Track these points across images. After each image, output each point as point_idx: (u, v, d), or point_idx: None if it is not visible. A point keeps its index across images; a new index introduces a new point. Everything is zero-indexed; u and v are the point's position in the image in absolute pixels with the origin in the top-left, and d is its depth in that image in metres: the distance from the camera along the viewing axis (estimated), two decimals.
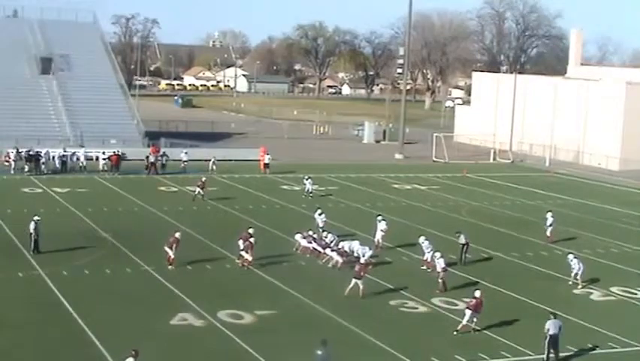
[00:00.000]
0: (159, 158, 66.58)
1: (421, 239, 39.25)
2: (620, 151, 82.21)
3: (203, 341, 27.52)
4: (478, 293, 30.52)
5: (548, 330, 27.68)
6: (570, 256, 37.64)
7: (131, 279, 35.53)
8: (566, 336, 29.42)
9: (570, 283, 36.90)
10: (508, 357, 27.95)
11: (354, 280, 33.56)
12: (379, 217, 43.54)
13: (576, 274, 36.89)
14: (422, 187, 64.81)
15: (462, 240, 40.30)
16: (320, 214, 43.88)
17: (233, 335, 28.69)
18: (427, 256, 37.92)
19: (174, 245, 36.89)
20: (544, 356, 27.49)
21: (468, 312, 30.00)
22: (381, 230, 42.20)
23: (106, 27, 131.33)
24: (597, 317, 32.44)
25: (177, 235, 37.43)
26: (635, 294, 36.22)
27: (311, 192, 56.86)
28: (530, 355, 28.16)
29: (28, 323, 29.35)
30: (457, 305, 33.25)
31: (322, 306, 32.27)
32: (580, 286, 36.61)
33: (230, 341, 28.20)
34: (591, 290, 36.49)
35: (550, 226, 45.93)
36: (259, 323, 30.32)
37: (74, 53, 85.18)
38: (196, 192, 53.80)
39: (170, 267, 36.56)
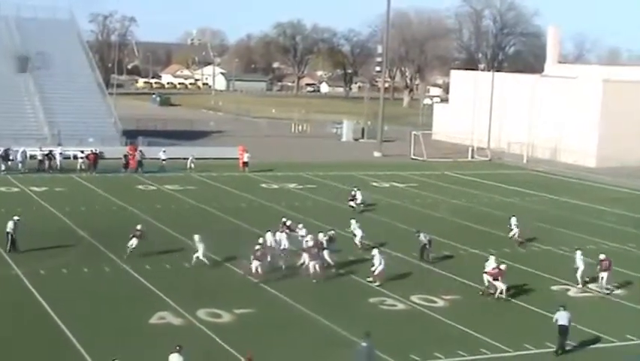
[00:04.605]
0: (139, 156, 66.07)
1: (374, 251, 37.12)
2: (597, 148, 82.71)
3: (182, 340, 27.37)
4: (503, 266, 34.46)
5: (557, 320, 28.40)
6: (578, 253, 37.58)
7: (110, 278, 35.41)
8: (545, 333, 29.67)
9: (579, 283, 36.88)
10: (487, 354, 28.08)
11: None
12: (353, 220, 43.34)
13: (578, 271, 36.94)
14: (400, 185, 64.96)
15: (422, 239, 40.19)
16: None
17: (213, 334, 28.68)
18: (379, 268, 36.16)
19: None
20: (556, 346, 28.25)
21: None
22: (359, 234, 42.09)
23: (83, 25, 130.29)
24: (575, 314, 32.55)
25: (257, 247, 36.07)
26: (612, 291, 36.44)
27: (361, 203, 53.34)
28: (509, 352, 28.31)
29: (4, 322, 29.18)
30: (436, 302, 33.41)
31: (301, 304, 32.28)
32: (580, 286, 36.70)
33: (210, 340, 28.18)
34: (569, 286, 36.70)
35: (513, 230, 45.38)
36: (238, 322, 30.32)
37: (51, 51, 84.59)
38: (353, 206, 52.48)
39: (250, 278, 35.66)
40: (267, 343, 27.99)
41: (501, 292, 34.19)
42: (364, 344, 25.17)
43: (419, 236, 40.45)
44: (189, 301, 31.90)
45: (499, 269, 34.53)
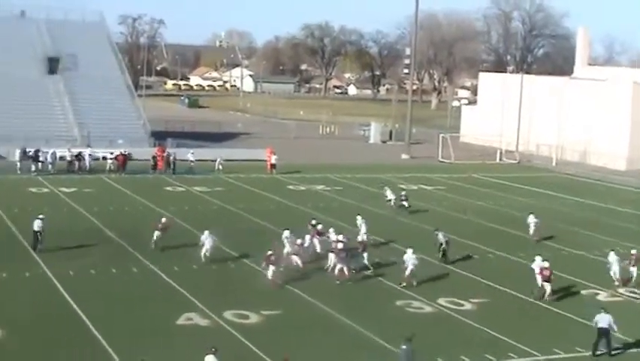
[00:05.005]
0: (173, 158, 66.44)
1: (409, 252, 36.66)
2: (627, 151, 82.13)
3: (209, 341, 27.47)
4: (547, 264, 34.55)
5: (597, 323, 28.31)
6: (612, 254, 37.75)
7: (137, 278, 35.59)
8: (575, 337, 29.49)
9: (615, 283, 36.99)
10: (514, 358, 27.90)
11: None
12: (359, 216, 44.42)
13: (615, 273, 37.08)
14: (428, 187, 64.75)
15: (440, 238, 40.17)
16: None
17: (239, 335, 28.72)
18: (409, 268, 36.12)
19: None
20: (592, 349, 28.13)
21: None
22: (363, 230, 42.38)
23: (113, 27, 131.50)
24: None
25: (269, 252, 35.74)
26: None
27: (391, 202, 54.03)
28: (537, 356, 28.13)
29: (34, 322, 29.37)
30: (462, 305, 33.27)
31: (328, 306, 32.27)
32: (617, 283, 36.90)
33: (236, 341, 28.21)
34: (598, 291, 36.43)
35: (533, 226, 46.33)
36: (265, 323, 30.35)
37: (81, 53, 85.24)
38: (406, 206, 53.12)
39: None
40: (294, 344, 27.95)
41: (548, 294, 34.40)
42: (404, 346, 25.06)
43: (437, 235, 40.39)
44: (216, 301, 31.98)
45: (547, 268, 34.67)
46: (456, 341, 29.30)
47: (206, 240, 38.38)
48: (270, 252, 35.55)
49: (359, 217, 44.36)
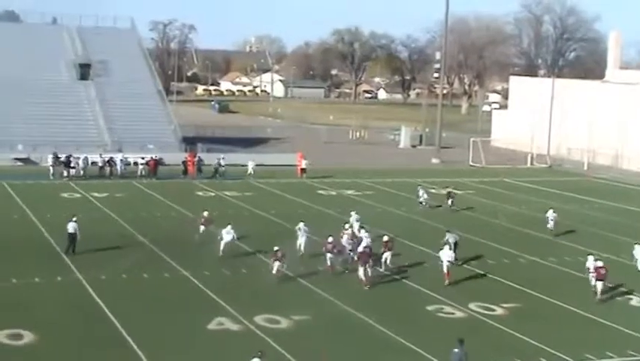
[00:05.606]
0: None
1: (447, 248, 37.78)
2: None
3: (239, 346, 27.57)
4: (600, 263, 34.92)
5: None
6: (637, 247, 38.76)
7: (169, 284, 35.74)
8: (606, 343, 29.24)
9: None
10: None
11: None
12: (353, 212, 45.36)
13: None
14: (459, 191, 64.33)
15: (451, 239, 39.69)
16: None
17: (270, 340, 28.75)
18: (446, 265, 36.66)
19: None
20: None
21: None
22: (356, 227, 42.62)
23: (143, 33, 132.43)
24: (637, 324, 32.06)
25: (276, 248, 36.55)
26: None
27: (423, 202, 55.78)
28: None
29: (67, 326, 29.63)
30: (494, 311, 33.10)
31: (357, 310, 32.23)
32: None
33: (267, 346, 28.20)
34: (631, 296, 36.10)
35: (552, 221, 47.68)
36: (296, 328, 30.37)
37: (112, 59, 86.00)
38: (449, 204, 54.17)
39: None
40: (325, 349, 27.96)
41: (600, 293, 34.73)
42: (456, 350, 24.96)
43: (446, 236, 39.97)
44: (247, 306, 32.03)
45: (602, 267, 34.92)
46: (487, 346, 29.11)
47: (226, 235, 39.28)
48: (276, 248, 36.36)
49: (353, 213, 44.77)
